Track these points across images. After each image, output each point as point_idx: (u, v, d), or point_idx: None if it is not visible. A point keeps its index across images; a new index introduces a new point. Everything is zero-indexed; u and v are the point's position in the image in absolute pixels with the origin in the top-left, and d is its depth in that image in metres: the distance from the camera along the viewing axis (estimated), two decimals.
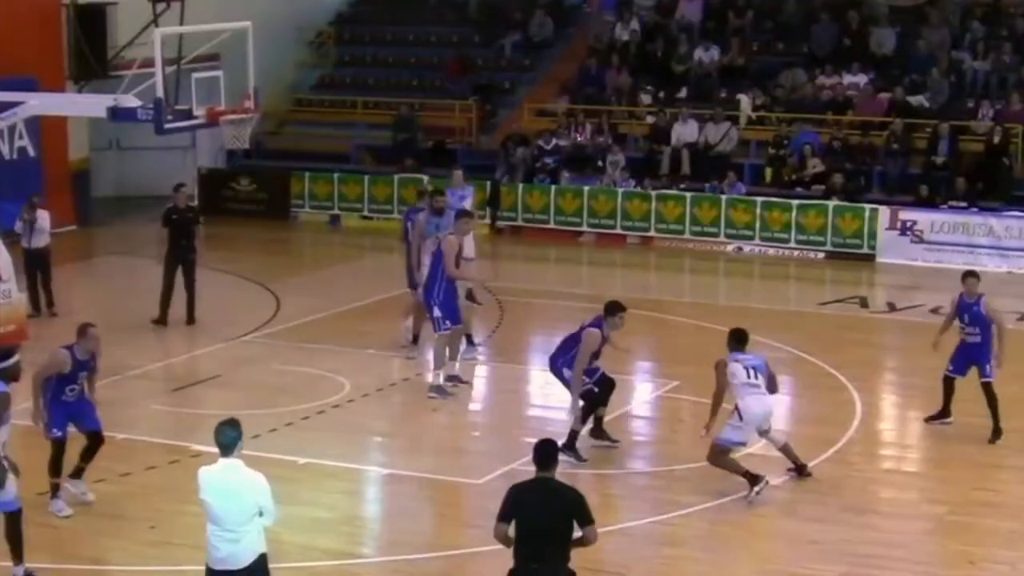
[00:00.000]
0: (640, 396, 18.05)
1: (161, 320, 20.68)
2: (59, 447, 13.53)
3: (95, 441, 13.70)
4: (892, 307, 22.48)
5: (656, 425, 16.89)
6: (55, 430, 13.52)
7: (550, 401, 18.35)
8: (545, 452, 9.87)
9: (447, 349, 17.37)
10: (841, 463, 15.08)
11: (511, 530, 9.66)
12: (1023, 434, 16.12)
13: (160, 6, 26.36)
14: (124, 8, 27.83)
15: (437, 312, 17.18)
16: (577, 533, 9.75)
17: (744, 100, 28.92)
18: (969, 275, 16.34)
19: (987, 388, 15.91)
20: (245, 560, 9.86)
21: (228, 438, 9.89)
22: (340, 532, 13.48)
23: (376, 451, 15.86)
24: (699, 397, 17.17)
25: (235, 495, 9.80)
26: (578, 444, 14.91)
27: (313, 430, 15.91)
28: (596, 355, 15.01)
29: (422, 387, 18.19)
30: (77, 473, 13.74)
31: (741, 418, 13.92)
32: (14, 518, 11.82)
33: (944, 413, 16.27)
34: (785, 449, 14.52)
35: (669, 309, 22.08)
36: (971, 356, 15.96)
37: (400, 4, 35.16)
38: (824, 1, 31.00)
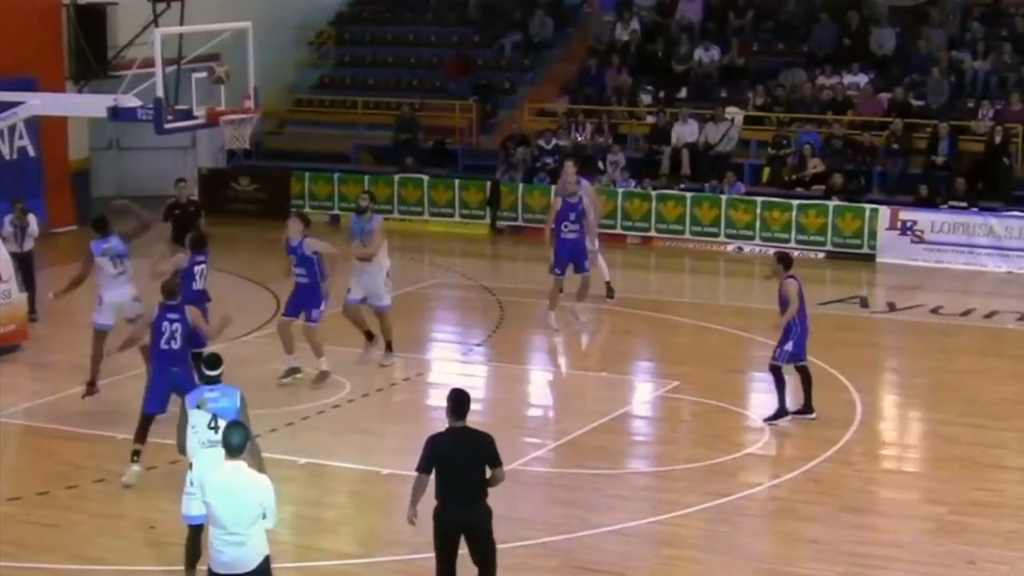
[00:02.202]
0: (640, 396, 18.06)
1: None
2: None
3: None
4: (892, 307, 22.48)
5: (656, 425, 16.89)
6: None
7: (550, 401, 18.40)
8: (458, 402, 10.63)
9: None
10: (841, 463, 15.08)
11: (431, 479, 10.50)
12: (1023, 434, 16.15)
13: (160, 6, 26.35)
14: (124, 8, 27.82)
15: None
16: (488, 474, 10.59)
17: (736, 112, 28.89)
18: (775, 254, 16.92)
19: (771, 368, 16.23)
20: (251, 563, 9.81)
21: (239, 439, 9.87)
22: (340, 532, 13.49)
23: (376, 451, 15.85)
24: (699, 397, 17.24)
25: (240, 497, 9.76)
26: None
27: (313, 430, 15.92)
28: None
29: (423, 387, 18.25)
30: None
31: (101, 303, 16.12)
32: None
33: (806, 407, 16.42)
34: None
35: (669, 309, 22.08)
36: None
37: (400, 4, 35.16)
38: (824, 1, 31.01)
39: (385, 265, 18.59)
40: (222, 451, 11.15)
